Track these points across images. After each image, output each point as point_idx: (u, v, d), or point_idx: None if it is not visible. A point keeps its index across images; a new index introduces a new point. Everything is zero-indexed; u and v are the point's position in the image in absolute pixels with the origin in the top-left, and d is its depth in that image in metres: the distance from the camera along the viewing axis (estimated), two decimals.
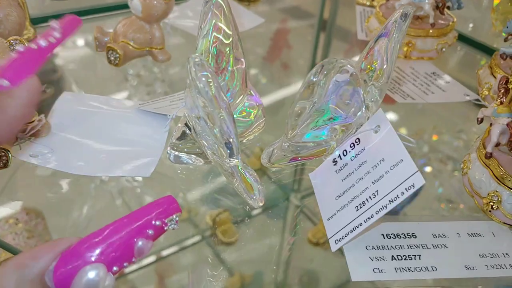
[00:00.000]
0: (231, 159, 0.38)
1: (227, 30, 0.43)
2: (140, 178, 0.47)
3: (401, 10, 0.44)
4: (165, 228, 0.27)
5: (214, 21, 0.43)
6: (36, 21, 0.68)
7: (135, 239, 0.26)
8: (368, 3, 0.85)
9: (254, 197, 0.41)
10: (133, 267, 0.40)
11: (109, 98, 0.57)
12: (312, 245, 0.43)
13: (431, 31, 0.66)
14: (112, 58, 0.59)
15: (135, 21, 0.60)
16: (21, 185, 0.46)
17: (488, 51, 0.73)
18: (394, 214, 0.46)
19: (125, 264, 0.26)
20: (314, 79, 0.38)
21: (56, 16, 0.70)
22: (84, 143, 0.49)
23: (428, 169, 0.53)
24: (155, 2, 0.58)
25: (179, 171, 0.47)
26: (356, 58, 0.69)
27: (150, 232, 0.26)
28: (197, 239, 0.43)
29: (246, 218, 0.44)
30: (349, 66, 0.37)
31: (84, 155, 0.48)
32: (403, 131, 0.57)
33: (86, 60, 0.68)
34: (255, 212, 0.45)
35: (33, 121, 0.46)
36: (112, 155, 0.48)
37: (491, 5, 0.81)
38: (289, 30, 0.80)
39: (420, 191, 0.50)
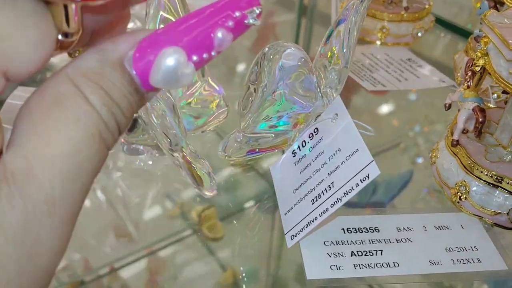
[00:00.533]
0: (174, 151, 0.36)
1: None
2: (120, 174, 0.45)
3: None
4: (245, 22, 0.25)
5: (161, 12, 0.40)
6: None
7: (216, 29, 0.24)
8: None
9: (205, 187, 0.39)
10: (123, 261, 0.38)
11: None
12: None
13: (405, 15, 0.64)
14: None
15: None
16: None
17: (467, 35, 0.70)
18: (381, 206, 0.44)
19: (204, 55, 0.24)
20: (258, 67, 0.36)
21: None
22: None
23: (397, 159, 0.51)
24: None
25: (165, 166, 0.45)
26: None
27: (230, 23, 0.24)
28: (186, 234, 0.42)
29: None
30: (293, 49, 0.34)
31: None
32: (394, 122, 0.55)
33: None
34: (243, 206, 0.44)
35: None
36: None
37: None
38: (274, 21, 0.78)
39: (409, 182, 0.48)
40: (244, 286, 0.37)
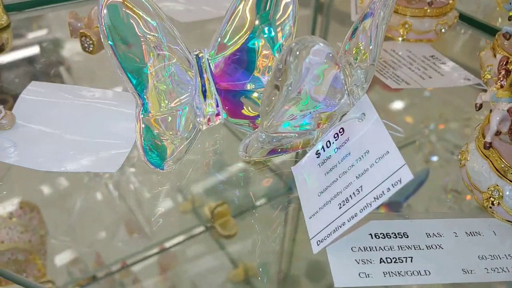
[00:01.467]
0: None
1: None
2: (134, 170, 0.44)
3: None
4: None
5: None
6: (10, 8, 0.64)
7: None
8: None
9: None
10: (135, 256, 0.38)
11: (79, 87, 0.53)
12: None
13: (428, 10, 0.62)
14: (86, 45, 0.55)
15: None
16: (15, 178, 0.43)
17: (493, 32, 0.68)
18: (398, 206, 0.43)
19: None
20: (283, 64, 0.34)
21: (31, 3, 0.67)
22: (49, 135, 0.45)
23: (425, 160, 0.49)
24: None
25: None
26: None
27: None
28: (198, 230, 0.41)
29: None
30: (321, 45, 0.32)
31: (48, 149, 0.44)
32: (408, 119, 0.53)
33: (57, 49, 0.64)
34: (256, 203, 0.42)
35: None
36: (79, 149, 0.44)
37: None
38: None
39: (425, 181, 0.46)
40: (255, 283, 0.36)
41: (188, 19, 0.66)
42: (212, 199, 0.42)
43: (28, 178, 0.43)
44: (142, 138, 0.39)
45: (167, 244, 0.39)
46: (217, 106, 0.44)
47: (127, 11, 0.37)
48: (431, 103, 0.55)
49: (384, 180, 0.33)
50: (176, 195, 0.43)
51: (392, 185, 0.33)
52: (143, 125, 0.39)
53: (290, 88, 0.33)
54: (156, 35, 0.39)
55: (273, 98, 0.35)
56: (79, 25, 0.57)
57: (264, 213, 0.42)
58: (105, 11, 0.36)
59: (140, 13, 0.37)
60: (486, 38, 0.68)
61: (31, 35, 0.64)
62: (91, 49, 0.55)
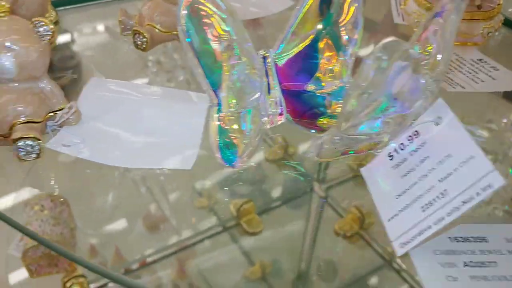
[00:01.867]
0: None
1: None
2: (166, 170, 0.44)
3: None
4: None
5: None
6: (57, 4, 0.64)
7: None
8: None
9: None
10: (154, 251, 0.38)
11: (139, 84, 0.53)
12: (339, 237, 0.41)
13: (477, 14, 0.61)
14: (139, 42, 0.55)
15: (161, 3, 0.56)
16: (45, 171, 0.44)
17: None
18: None
19: None
20: (370, 68, 0.34)
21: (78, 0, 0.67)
22: (116, 132, 0.46)
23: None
24: None
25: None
26: None
27: None
28: (219, 229, 0.41)
29: None
30: (412, 50, 0.32)
31: (118, 144, 0.44)
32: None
33: (106, 46, 0.63)
34: (277, 203, 0.43)
35: (62, 109, 0.42)
36: (149, 146, 0.44)
37: None
38: None
39: None
40: (271, 281, 0.37)
41: None
42: (237, 197, 0.43)
43: (57, 171, 0.44)
44: (217, 136, 0.39)
45: (187, 239, 0.40)
46: (281, 106, 0.44)
47: (203, 10, 0.37)
48: (487, 107, 0.56)
49: (473, 184, 0.33)
50: (200, 191, 0.44)
51: (482, 189, 0.33)
52: (217, 124, 0.39)
53: (375, 92, 0.33)
54: (229, 34, 0.39)
55: (357, 101, 0.35)
56: (131, 22, 0.57)
57: (285, 212, 0.43)
58: (184, 11, 0.36)
59: (216, 12, 0.37)
60: None
61: (80, 32, 0.64)
62: (144, 46, 0.55)
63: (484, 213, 0.44)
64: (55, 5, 0.62)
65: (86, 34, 0.64)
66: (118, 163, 0.42)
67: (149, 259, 0.38)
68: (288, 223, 0.41)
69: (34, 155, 0.39)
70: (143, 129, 0.46)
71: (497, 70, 0.59)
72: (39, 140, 0.39)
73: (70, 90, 0.51)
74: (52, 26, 0.38)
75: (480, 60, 0.61)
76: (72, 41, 0.62)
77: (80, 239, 0.39)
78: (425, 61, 0.41)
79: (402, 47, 0.33)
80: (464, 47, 0.63)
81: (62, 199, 0.41)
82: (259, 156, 0.45)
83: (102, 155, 0.43)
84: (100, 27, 0.66)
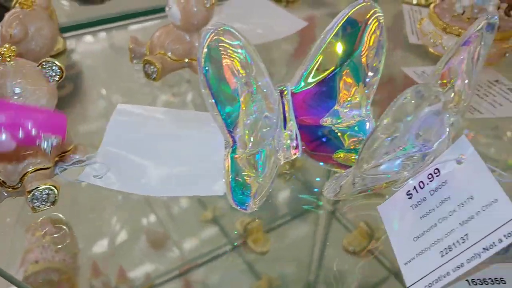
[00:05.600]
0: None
1: None
2: None
3: (486, 19, 0.38)
4: (37, 143, 0.28)
5: None
6: (65, 30, 0.63)
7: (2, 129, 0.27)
8: (415, 1, 0.79)
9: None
10: (159, 269, 0.38)
11: (163, 109, 0.53)
12: (348, 253, 0.40)
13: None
14: (150, 72, 0.54)
15: (173, 30, 0.56)
16: None
17: None
18: None
19: None
20: (396, 116, 0.33)
21: (86, 25, 0.66)
22: (143, 159, 0.46)
23: None
24: (195, 9, 0.53)
25: None
26: (411, 65, 0.64)
27: (20, 134, 0.27)
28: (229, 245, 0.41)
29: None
30: (441, 95, 0.31)
31: (145, 172, 0.44)
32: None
33: (115, 72, 0.63)
34: (284, 219, 0.43)
35: (70, 149, 0.42)
36: (178, 174, 0.45)
37: None
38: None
39: None
40: None
41: None
42: (243, 214, 0.42)
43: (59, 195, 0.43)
44: (230, 177, 0.39)
45: (193, 257, 0.39)
46: (296, 139, 0.43)
47: (223, 46, 0.36)
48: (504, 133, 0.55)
49: (495, 230, 0.32)
50: (205, 207, 0.44)
51: (505, 236, 0.31)
52: (231, 165, 0.39)
53: (400, 137, 0.33)
54: (248, 71, 0.38)
55: (378, 147, 0.34)
56: (142, 50, 0.57)
57: (292, 226, 0.42)
58: (205, 50, 0.35)
59: (235, 48, 0.36)
60: None
61: (88, 59, 0.64)
62: (155, 76, 0.54)
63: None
64: (63, 30, 0.62)
65: (96, 61, 0.64)
66: (149, 192, 0.42)
67: (154, 279, 0.38)
68: (295, 238, 0.41)
69: (49, 203, 0.39)
70: (170, 155, 0.46)
71: None
72: (56, 187, 0.38)
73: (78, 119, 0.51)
74: (60, 65, 0.37)
75: (496, 81, 0.60)
76: (80, 70, 0.61)
77: (84, 263, 0.38)
78: (447, 94, 0.40)
79: (432, 93, 0.32)
80: None
81: (64, 224, 0.40)
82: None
83: (132, 184, 0.43)
84: (109, 53, 0.66)
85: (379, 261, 0.40)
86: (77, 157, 0.43)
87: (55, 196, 0.38)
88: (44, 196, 0.38)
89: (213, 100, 0.35)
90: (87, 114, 0.54)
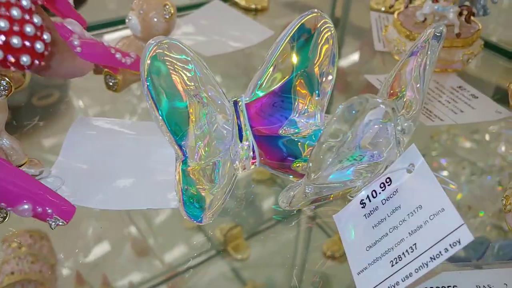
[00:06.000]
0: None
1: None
2: None
3: (433, 29, 0.38)
4: (47, 220, 0.34)
5: None
6: None
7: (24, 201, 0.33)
8: (383, 9, 0.80)
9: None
10: (142, 277, 0.38)
11: (123, 121, 0.52)
12: (327, 258, 0.41)
13: (456, 41, 0.61)
14: (111, 84, 0.54)
15: (134, 42, 0.55)
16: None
17: None
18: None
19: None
20: (340, 125, 0.33)
21: None
22: (99, 172, 0.45)
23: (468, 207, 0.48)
24: (155, 20, 0.53)
25: None
26: (376, 72, 0.65)
27: (39, 209, 0.33)
28: (210, 252, 0.41)
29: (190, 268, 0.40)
30: (381, 105, 0.31)
31: (102, 186, 0.44)
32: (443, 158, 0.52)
33: (76, 84, 0.62)
34: (267, 224, 0.43)
35: (24, 164, 0.41)
36: (134, 186, 0.44)
37: None
38: None
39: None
40: None
41: (212, 52, 0.66)
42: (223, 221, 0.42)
43: None
44: (182, 191, 0.38)
45: (176, 264, 0.40)
46: (253, 150, 0.43)
47: (169, 60, 0.36)
48: (462, 140, 0.55)
49: (441, 240, 0.32)
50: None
51: (451, 245, 0.32)
52: (182, 177, 0.38)
53: (344, 146, 0.32)
54: (196, 84, 0.38)
55: (324, 156, 0.34)
56: None
57: (274, 232, 0.42)
58: (148, 61, 0.35)
59: (182, 60, 0.36)
60: (511, 65, 0.68)
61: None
62: (115, 88, 0.54)
63: (472, 227, 0.44)
64: None
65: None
66: (104, 205, 0.42)
67: (137, 283, 0.38)
68: (277, 243, 0.41)
69: (1, 218, 0.38)
70: (127, 167, 0.46)
71: (477, 98, 0.58)
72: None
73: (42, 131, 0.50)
74: (8, 80, 0.37)
75: (460, 87, 0.60)
76: (44, 83, 0.61)
77: (63, 273, 0.38)
78: (399, 102, 0.40)
79: (369, 105, 0.32)
80: (444, 74, 0.63)
81: (41, 235, 0.40)
82: (246, 177, 0.45)
83: (86, 198, 0.42)
84: None
85: None
86: (32, 171, 0.42)
87: (6, 214, 0.38)
88: None
89: (158, 112, 0.35)
90: (51, 126, 0.53)
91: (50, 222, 0.35)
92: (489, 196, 0.48)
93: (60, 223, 0.35)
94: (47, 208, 0.34)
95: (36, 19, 0.32)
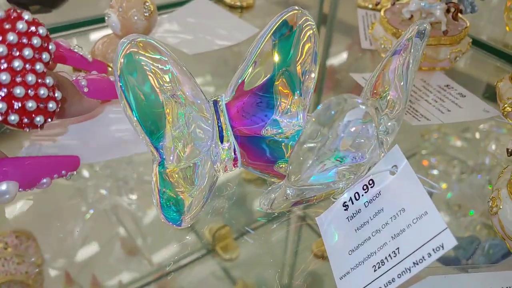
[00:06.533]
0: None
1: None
2: (134, 197, 0.45)
3: (417, 26, 0.37)
4: (65, 177, 0.38)
5: None
6: None
7: (43, 177, 0.36)
8: (370, 6, 0.79)
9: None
10: (131, 277, 0.38)
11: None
12: (317, 258, 0.40)
13: (443, 39, 0.60)
14: None
15: (114, 40, 0.54)
16: (8, 205, 0.42)
17: (506, 57, 0.67)
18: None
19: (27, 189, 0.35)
20: (319, 125, 0.32)
21: None
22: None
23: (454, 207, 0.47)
24: (135, 18, 0.52)
25: None
26: (362, 70, 0.64)
27: (55, 176, 0.37)
28: (199, 252, 0.41)
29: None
30: (361, 106, 0.30)
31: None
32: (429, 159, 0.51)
33: None
34: (256, 224, 0.43)
35: None
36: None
37: (502, 4, 0.74)
38: None
39: None
40: None
41: (197, 50, 0.64)
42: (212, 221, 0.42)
43: (22, 204, 0.43)
44: (159, 193, 0.37)
45: (165, 264, 0.39)
46: (234, 151, 0.42)
47: (143, 59, 0.34)
48: (449, 140, 0.54)
49: (424, 244, 0.31)
50: None
51: (434, 250, 0.31)
52: (160, 180, 0.37)
53: (324, 147, 0.31)
54: (173, 84, 0.36)
55: (304, 157, 0.33)
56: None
57: (264, 231, 0.42)
58: (122, 60, 0.33)
59: (157, 60, 0.35)
60: (500, 63, 0.67)
61: None
62: None
63: (461, 226, 0.43)
64: None
65: None
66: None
67: (127, 286, 0.37)
68: (267, 243, 0.41)
69: None
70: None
71: (464, 96, 0.57)
72: None
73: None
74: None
75: (447, 86, 0.59)
76: None
77: (50, 273, 0.38)
78: (382, 102, 0.39)
79: (348, 106, 0.31)
80: (431, 72, 0.62)
81: (27, 235, 0.40)
82: (236, 176, 0.44)
83: None
84: None
85: None
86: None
87: None
88: None
89: (132, 113, 0.34)
90: None
91: (67, 178, 0.39)
92: (479, 195, 0.47)
93: (74, 173, 0.39)
94: (61, 171, 0.38)
95: (48, 80, 0.33)
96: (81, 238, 0.40)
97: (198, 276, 0.38)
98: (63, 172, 0.38)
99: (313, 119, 0.31)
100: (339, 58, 0.70)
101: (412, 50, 0.36)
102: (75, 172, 0.39)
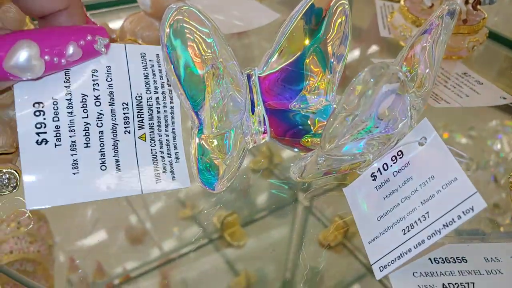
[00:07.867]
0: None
1: None
2: None
3: (447, 6, 0.39)
4: (94, 46, 0.33)
5: None
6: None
7: (69, 42, 0.30)
8: None
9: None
10: (139, 269, 0.38)
11: None
12: (324, 248, 0.41)
13: (462, 27, 0.61)
14: None
15: (143, 17, 0.56)
16: (22, 187, 0.42)
17: None
18: None
19: (55, 59, 0.30)
20: (357, 93, 0.33)
21: None
22: None
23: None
24: None
25: None
26: (381, 57, 0.65)
27: (82, 42, 0.31)
28: (206, 239, 0.41)
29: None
30: (400, 73, 0.32)
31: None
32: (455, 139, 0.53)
33: None
34: (261, 214, 0.43)
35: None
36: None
37: None
38: None
39: None
40: None
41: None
42: (220, 209, 0.42)
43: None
44: (197, 158, 0.39)
45: (170, 252, 0.40)
46: (264, 124, 0.43)
47: (187, 28, 0.36)
48: (469, 121, 0.56)
49: (454, 207, 0.33)
50: (183, 202, 0.44)
51: (464, 212, 0.32)
52: (198, 146, 0.39)
53: (360, 115, 0.33)
54: (213, 53, 0.38)
55: (340, 124, 0.34)
56: (112, 36, 0.56)
57: (270, 222, 0.42)
58: (168, 29, 0.35)
59: (199, 30, 0.36)
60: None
61: None
62: None
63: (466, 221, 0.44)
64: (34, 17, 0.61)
65: None
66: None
67: (132, 273, 0.38)
68: (272, 233, 0.41)
69: (10, 188, 0.38)
70: None
71: (481, 84, 0.59)
72: (18, 172, 0.37)
73: None
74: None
75: (465, 74, 0.61)
76: None
77: (59, 256, 0.38)
78: (412, 80, 0.41)
79: (390, 71, 0.32)
80: (449, 61, 0.63)
81: (39, 215, 0.40)
82: (243, 166, 0.44)
83: None
84: None
85: (355, 257, 0.40)
86: None
87: (16, 181, 0.38)
88: (5, 181, 0.37)
89: (177, 78, 0.35)
90: None
91: (98, 47, 0.33)
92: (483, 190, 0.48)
93: (105, 42, 0.33)
94: (87, 37, 0.32)
95: None
96: (92, 221, 0.41)
97: (202, 265, 0.38)
98: (89, 37, 0.32)
99: (350, 88, 0.32)
100: (357, 46, 0.72)
101: (442, 29, 0.37)
102: (107, 40, 0.33)
